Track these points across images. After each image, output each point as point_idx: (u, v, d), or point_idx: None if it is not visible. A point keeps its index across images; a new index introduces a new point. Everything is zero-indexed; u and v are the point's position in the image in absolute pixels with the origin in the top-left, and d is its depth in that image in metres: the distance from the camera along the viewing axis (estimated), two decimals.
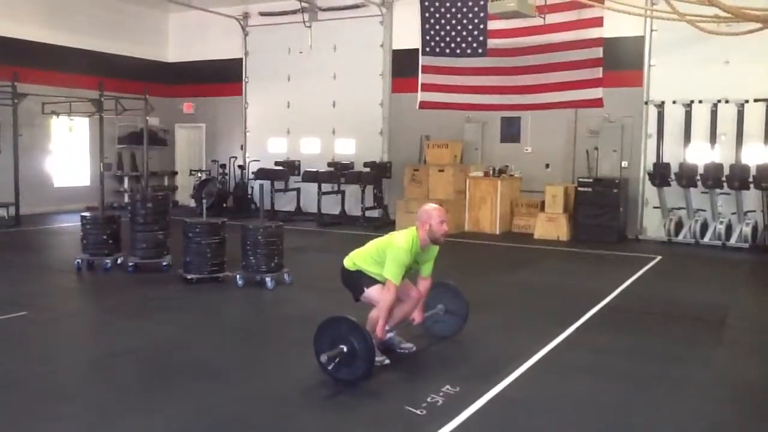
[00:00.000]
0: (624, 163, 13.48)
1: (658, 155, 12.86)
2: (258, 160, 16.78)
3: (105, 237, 9.16)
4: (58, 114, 15.40)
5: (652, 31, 13.00)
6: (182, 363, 5.47)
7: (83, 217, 9.33)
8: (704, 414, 4.64)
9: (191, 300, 7.71)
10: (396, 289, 5.16)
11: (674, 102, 12.76)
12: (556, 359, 5.66)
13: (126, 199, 15.89)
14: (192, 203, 16.87)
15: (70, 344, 6.19)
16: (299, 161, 16.45)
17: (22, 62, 14.74)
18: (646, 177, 13.08)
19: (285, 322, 6.91)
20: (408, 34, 14.73)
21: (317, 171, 15.27)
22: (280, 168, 15.97)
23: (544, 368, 5.41)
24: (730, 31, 10.46)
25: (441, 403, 4.54)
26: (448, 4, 13.86)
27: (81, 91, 14.88)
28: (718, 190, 12.33)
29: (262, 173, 15.48)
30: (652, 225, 13.31)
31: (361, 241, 5.69)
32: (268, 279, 8.10)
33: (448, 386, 4.81)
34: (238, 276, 8.23)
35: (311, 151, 16.88)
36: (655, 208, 13.19)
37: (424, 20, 14.05)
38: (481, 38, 13.60)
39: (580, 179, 13.20)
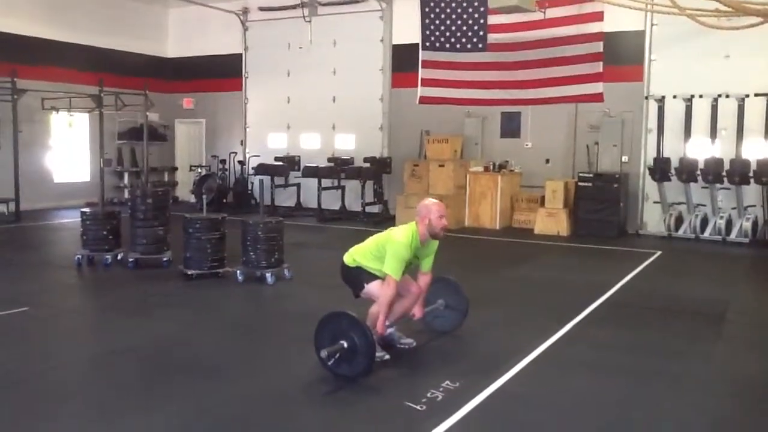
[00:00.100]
0: (624, 158, 13.48)
1: (659, 150, 12.85)
2: (258, 156, 16.77)
3: (105, 233, 9.16)
4: (57, 110, 15.36)
5: (652, 25, 12.98)
6: (182, 359, 5.47)
7: (83, 213, 9.34)
8: (705, 409, 4.65)
9: (191, 296, 7.71)
10: (396, 285, 5.16)
11: (674, 97, 12.74)
12: (556, 354, 5.66)
13: (126, 194, 15.88)
14: (192, 199, 16.87)
15: (70, 341, 6.19)
16: (299, 157, 16.43)
17: (22, 58, 14.74)
18: (647, 172, 13.07)
19: (285, 318, 6.91)
20: (408, 28, 14.69)
21: (317, 166, 15.26)
22: (280, 163, 15.97)
23: (544, 363, 5.42)
24: (731, 26, 10.45)
25: (441, 399, 4.55)
26: None
27: (81, 86, 14.86)
28: (718, 185, 12.32)
29: (262, 169, 15.48)
30: (653, 220, 13.31)
31: (361, 237, 5.69)
32: (268, 275, 8.10)
33: (448, 381, 4.81)
34: (238, 272, 8.23)
35: (311, 146, 16.87)
36: (655, 203, 13.18)
37: (424, 15, 14.01)
38: (481, 33, 13.57)
39: (581, 174, 13.20)
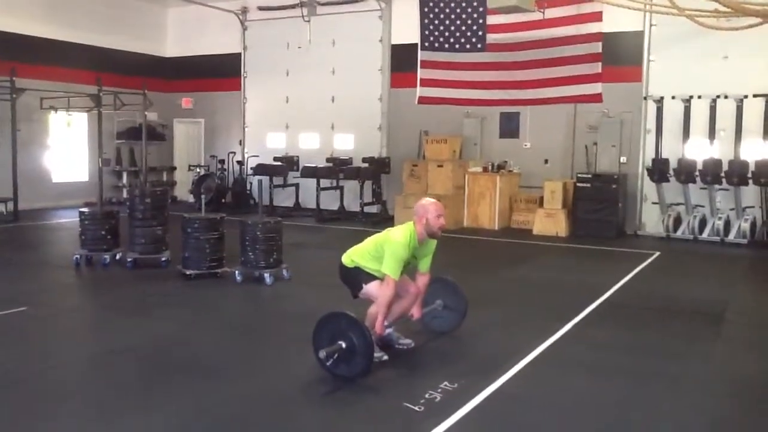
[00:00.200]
0: (623, 159, 13.48)
1: (657, 151, 12.85)
2: (257, 156, 16.77)
3: (103, 232, 9.16)
4: (56, 109, 15.34)
5: (651, 26, 12.99)
6: (181, 359, 5.47)
7: (82, 213, 9.33)
8: (703, 409, 4.65)
9: (190, 296, 7.71)
10: (395, 285, 5.16)
11: (673, 97, 12.75)
12: (554, 355, 5.66)
13: (124, 194, 15.86)
14: (191, 199, 16.86)
15: (69, 340, 6.18)
16: (298, 157, 16.42)
17: (21, 57, 14.72)
18: (645, 172, 13.08)
19: (284, 318, 6.91)
20: (407, 28, 14.67)
21: (316, 166, 15.26)
22: (279, 163, 15.97)
23: (542, 364, 5.42)
24: (730, 26, 10.45)
25: (439, 400, 4.55)
26: None
27: (79, 86, 14.84)
28: (716, 186, 12.33)
29: (260, 169, 15.47)
30: (651, 221, 13.31)
31: (360, 237, 5.68)
32: (266, 275, 8.10)
33: (446, 382, 4.81)
34: (236, 272, 8.23)
35: (310, 146, 16.86)
36: (653, 203, 13.19)
37: (423, 15, 14.00)
38: (480, 33, 13.55)
39: (579, 175, 13.20)
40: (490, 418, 4.39)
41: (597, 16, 12.85)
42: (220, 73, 17.94)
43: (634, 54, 13.18)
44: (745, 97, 12.07)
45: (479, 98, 14.22)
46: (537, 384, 5.03)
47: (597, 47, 12.96)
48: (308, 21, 16.16)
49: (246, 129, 17.96)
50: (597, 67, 12.97)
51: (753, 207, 12.26)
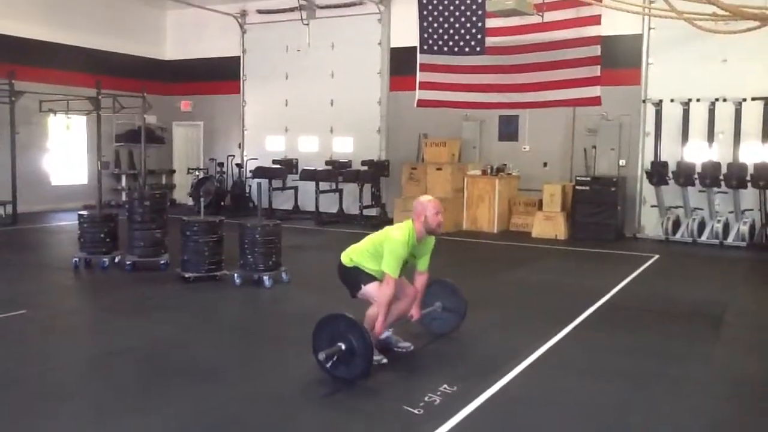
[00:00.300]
0: (622, 162, 13.49)
1: (656, 154, 12.87)
2: (256, 159, 16.76)
3: (102, 235, 9.15)
4: (55, 112, 15.38)
5: (650, 29, 13.01)
6: (180, 362, 5.46)
7: (81, 216, 9.32)
8: (703, 411, 4.65)
9: (189, 299, 7.70)
10: (394, 283, 5.16)
11: (672, 100, 12.77)
12: (554, 357, 5.66)
13: (123, 197, 15.84)
14: (190, 202, 16.86)
15: (68, 343, 6.17)
16: (297, 159, 16.44)
17: (20, 60, 14.71)
18: (644, 175, 13.09)
19: (283, 321, 6.90)
20: (406, 32, 14.68)
21: (315, 169, 15.25)
22: (278, 166, 15.96)
23: (542, 367, 5.41)
24: (728, 30, 10.46)
25: (438, 402, 4.54)
26: (446, 2, 13.80)
27: (78, 89, 14.84)
28: (715, 189, 12.34)
29: (259, 171, 15.46)
30: (650, 223, 13.32)
31: (358, 240, 5.67)
32: (265, 278, 8.09)
33: (445, 385, 4.81)
34: (235, 275, 8.22)
35: (309, 149, 16.87)
36: (652, 206, 13.19)
37: (422, 18, 14.01)
38: (479, 36, 13.56)
39: (578, 178, 13.21)
40: (489, 421, 4.38)
41: (596, 20, 12.87)
42: (220, 76, 17.95)
43: (632, 57, 13.19)
44: (744, 100, 12.09)
45: (478, 101, 14.23)
46: (536, 387, 5.02)
47: (596, 50, 12.97)
48: (307, 24, 16.18)
49: (245, 132, 17.96)
50: (596, 71, 12.99)
51: (752, 210, 12.25)
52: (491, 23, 13.38)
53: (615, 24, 12.65)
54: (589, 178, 13.07)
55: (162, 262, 9.00)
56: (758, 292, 8.92)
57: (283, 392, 4.80)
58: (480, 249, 12.20)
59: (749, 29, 10.00)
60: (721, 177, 12.12)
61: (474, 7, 13.48)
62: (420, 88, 14.40)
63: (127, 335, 6.18)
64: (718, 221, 12.29)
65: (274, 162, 16.26)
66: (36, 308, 7.07)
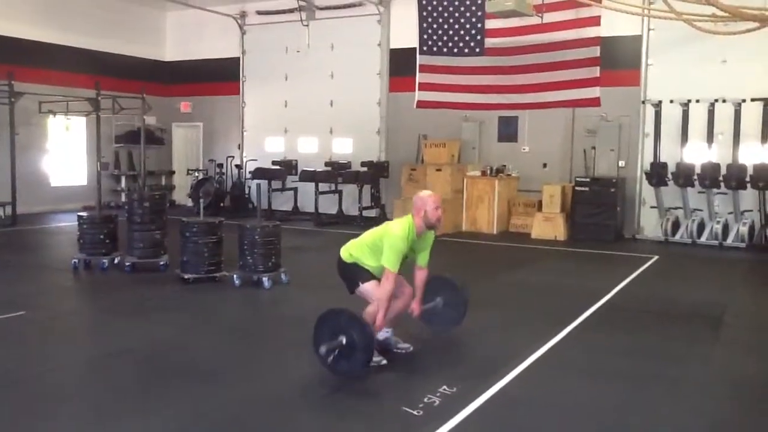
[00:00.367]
0: (621, 163, 13.49)
1: (656, 155, 12.87)
2: (255, 160, 16.75)
3: (102, 236, 9.14)
4: (55, 113, 15.38)
5: (649, 30, 13.01)
6: (179, 363, 5.46)
7: (80, 217, 9.31)
8: (703, 412, 4.65)
9: (188, 300, 7.70)
10: (394, 278, 5.16)
11: (671, 101, 12.77)
12: (554, 359, 5.65)
13: (123, 198, 15.86)
14: (189, 203, 16.86)
15: (67, 344, 6.17)
16: (296, 161, 16.44)
17: (19, 61, 14.72)
18: (644, 176, 13.09)
19: (282, 322, 6.91)
20: (405, 33, 14.70)
21: (315, 170, 15.25)
22: (278, 167, 15.96)
23: (542, 368, 5.41)
24: (728, 31, 10.47)
25: (438, 404, 4.54)
26: (445, 3, 13.83)
27: (78, 90, 14.85)
28: (715, 190, 12.34)
29: (259, 173, 15.46)
30: (650, 224, 13.32)
31: None
32: (265, 279, 8.09)
33: (445, 386, 4.80)
34: (235, 276, 8.22)
35: (309, 150, 16.87)
36: (652, 207, 13.20)
37: (421, 19, 14.03)
38: (478, 37, 13.58)
39: (578, 179, 13.21)
40: (488, 422, 4.38)
41: (595, 21, 12.89)
42: (219, 77, 17.95)
43: (632, 58, 13.20)
44: (743, 101, 12.10)
45: (478, 102, 14.24)
46: (536, 388, 5.02)
47: (595, 51, 13.00)
48: (307, 25, 16.19)
49: (245, 133, 17.96)
50: (595, 72, 13.01)
51: (751, 211, 12.25)
52: (491, 24, 13.40)
53: (614, 25, 12.67)
54: (588, 179, 13.07)
55: (161, 263, 9.00)
56: (757, 293, 8.92)
57: (282, 393, 4.80)
58: (479, 250, 12.19)
59: (749, 30, 10.01)
60: (721, 178, 12.13)
61: (473, 8, 13.50)
62: (419, 89, 14.42)
63: (127, 336, 6.18)
64: (718, 222, 12.29)
65: (274, 163, 16.26)
66: (35, 309, 7.06)
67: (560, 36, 13.21)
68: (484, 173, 14.10)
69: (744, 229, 12.05)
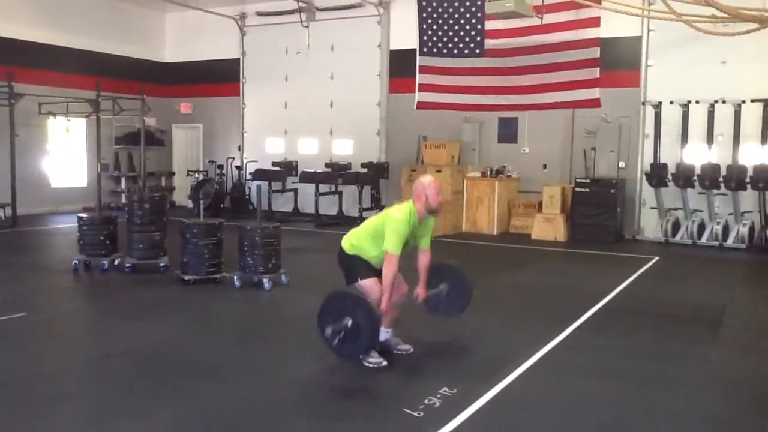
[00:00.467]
0: (621, 164, 13.49)
1: (656, 155, 12.87)
2: (255, 161, 16.76)
3: (102, 238, 9.14)
4: (55, 114, 15.37)
5: (649, 31, 13.02)
6: (179, 364, 5.45)
7: (80, 218, 9.31)
8: (703, 411, 4.65)
9: (188, 301, 7.70)
10: (397, 261, 5.18)
11: (671, 102, 12.77)
12: (554, 360, 5.65)
13: (123, 199, 15.84)
14: (189, 204, 16.85)
15: (67, 345, 6.17)
16: (297, 162, 16.43)
17: (19, 62, 14.72)
18: (644, 177, 13.09)
19: (282, 324, 6.91)
20: (405, 34, 14.72)
21: (315, 171, 15.25)
22: (278, 169, 15.96)
23: (542, 369, 5.41)
24: (727, 32, 10.46)
25: (438, 405, 4.53)
26: (445, 4, 13.86)
27: (78, 91, 14.84)
28: (715, 191, 12.34)
29: (259, 174, 15.46)
30: (650, 225, 13.32)
31: None
32: (265, 280, 8.09)
33: (445, 388, 4.80)
34: (235, 277, 8.21)
35: (309, 151, 16.87)
36: (652, 208, 13.20)
37: (421, 20, 14.04)
38: (478, 38, 13.59)
39: (578, 179, 13.21)
40: (489, 424, 4.38)
41: (595, 22, 12.89)
42: (219, 78, 17.96)
43: (632, 59, 13.20)
44: (743, 102, 12.10)
45: (478, 103, 14.24)
46: (537, 389, 5.02)
47: (595, 52, 13.00)
48: (307, 26, 16.21)
49: (245, 134, 17.97)
50: (595, 73, 13.01)
51: (751, 212, 12.25)
52: (491, 25, 13.41)
53: (614, 26, 12.67)
54: (588, 180, 13.07)
55: (161, 264, 9.00)
56: (757, 294, 8.91)
57: (282, 394, 4.80)
58: (480, 251, 12.19)
59: (748, 31, 10.01)
60: (721, 179, 12.13)
61: (473, 9, 13.52)
62: (419, 90, 14.43)
63: (127, 337, 6.18)
64: (718, 223, 12.29)
65: (274, 164, 16.25)
66: (35, 310, 7.06)
67: (560, 37, 13.21)
68: (484, 174, 14.10)
69: (744, 230, 12.05)
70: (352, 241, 5.48)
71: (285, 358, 5.60)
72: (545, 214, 13.23)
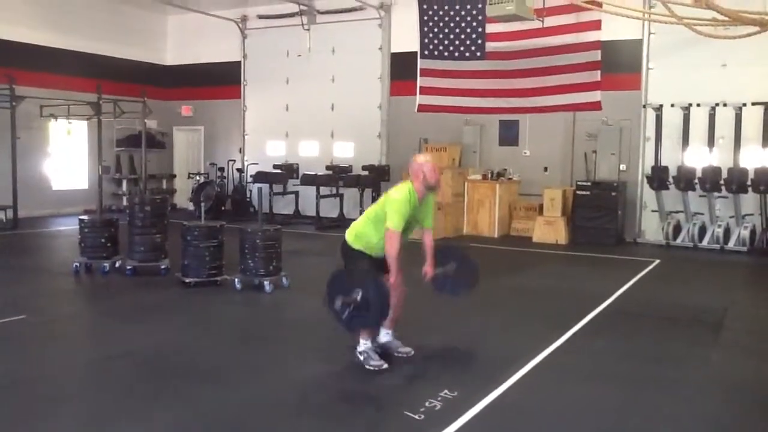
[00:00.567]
0: (622, 167, 13.49)
1: (657, 158, 12.87)
2: (256, 164, 16.77)
3: (103, 240, 9.14)
4: (56, 117, 15.39)
5: (650, 34, 13.02)
6: (180, 366, 5.45)
7: (81, 220, 9.32)
8: (703, 415, 4.64)
9: (189, 303, 7.70)
10: (399, 237, 5.20)
11: (672, 105, 12.77)
12: (555, 363, 5.65)
13: (124, 202, 15.87)
14: (190, 206, 16.84)
15: (68, 347, 6.17)
16: (298, 164, 16.44)
17: (20, 65, 14.74)
18: (645, 180, 13.09)
19: (283, 326, 6.91)
20: (406, 37, 14.73)
21: (316, 174, 15.26)
22: (279, 171, 15.97)
23: (543, 372, 5.41)
24: (728, 35, 10.47)
25: (439, 408, 4.53)
26: (446, 7, 13.88)
27: (79, 93, 14.87)
28: (716, 194, 12.34)
29: (260, 176, 15.46)
30: (651, 228, 13.32)
31: None
32: (266, 282, 8.09)
33: (446, 390, 4.80)
34: (236, 279, 8.22)
35: (310, 154, 16.88)
36: (653, 211, 13.19)
37: (422, 23, 14.06)
38: (479, 41, 13.61)
39: (579, 182, 13.21)
40: (490, 426, 4.37)
41: (596, 25, 12.91)
42: (220, 81, 17.98)
43: (633, 62, 13.21)
44: (744, 105, 12.09)
45: (478, 106, 14.26)
46: (538, 391, 5.02)
47: (596, 55, 13.02)
48: (308, 29, 16.23)
49: (246, 137, 17.98)
50: (596, 75, 13.03)
51: (752, 214, 12.26)
52: (491, 28, 13.43)
53: (615, 29, 12.69)
54: (589, 183, 13.07)
55: (162, 266, 9.00)
56: (758, 297, 8.91)
57: (283, 396, 4.79)
58: (480, 254, 12.14)
59: (749, 34, 10.02)
60: (722, 182, 12.12)
61: (474, 12, 13.54)
62: (420, 93, 14.45)
63: (128, 339, 6.18)
64: (719, 226, 12.28)
65: (275, 167, 16.27)
66: (36, 313, 7.06)
67: (561, 40, 13.23)
68: (485, 177, 14.10)
69: (745, 233, 12.04)
70: (357, 229, 5.49)
71: (286, 361, 5.60)
72: (546, 217, 13.23)
